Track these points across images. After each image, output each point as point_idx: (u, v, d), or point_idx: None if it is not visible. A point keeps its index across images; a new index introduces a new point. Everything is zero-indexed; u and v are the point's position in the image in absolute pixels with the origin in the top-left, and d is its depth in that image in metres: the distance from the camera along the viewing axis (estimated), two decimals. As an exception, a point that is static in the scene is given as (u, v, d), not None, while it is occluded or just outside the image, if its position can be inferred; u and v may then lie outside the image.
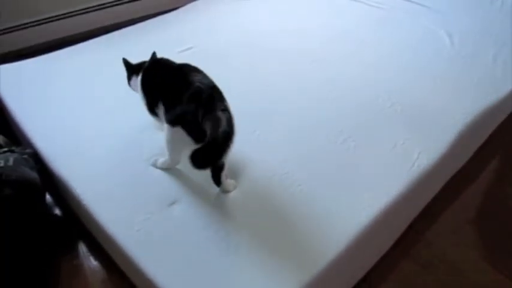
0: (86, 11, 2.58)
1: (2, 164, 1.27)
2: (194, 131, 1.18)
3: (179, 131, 1.20)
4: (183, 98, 1.19)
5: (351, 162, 1.38)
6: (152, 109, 1.32)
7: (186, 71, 1.27)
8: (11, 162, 1.29)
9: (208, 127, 1.11)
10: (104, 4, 2.62)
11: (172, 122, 1.21)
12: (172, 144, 1.28)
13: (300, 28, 2.13)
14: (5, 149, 1.38)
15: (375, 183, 1.31)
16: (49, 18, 2.47)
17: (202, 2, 2.50)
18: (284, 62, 1.87)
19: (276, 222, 1.20)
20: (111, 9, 2.65)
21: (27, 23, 2.42)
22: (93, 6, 2.59)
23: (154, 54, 1.40)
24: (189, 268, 1.10)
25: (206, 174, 1.33)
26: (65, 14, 2.51)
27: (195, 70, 1.28)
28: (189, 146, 1.17)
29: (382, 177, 1.33)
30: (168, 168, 1.35)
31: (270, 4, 2.40)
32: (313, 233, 1.17)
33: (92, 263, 1.42)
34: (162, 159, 1.34)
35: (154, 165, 1.35)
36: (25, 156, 1.37)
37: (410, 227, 1.49)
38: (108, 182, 1.33)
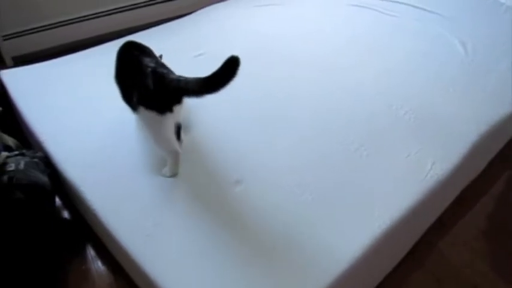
0: (104, 14, 2.60)
1: (13, 168, 1.27)
2: (153, 103, 1.23)
3: (145, 113, 1.24)
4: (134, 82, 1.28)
5: (363, 171, 1.36)
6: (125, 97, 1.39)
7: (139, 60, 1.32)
8: (22, 166, 1.29)
9: (181, 81, 1.20)
10: (120, 7, 2.64)
11: (134, 107, 1.29)
12: (154, 132, 1.31)
13: (312, 35, 2.12)
14: (16, 152, 1.38)
15: (387, 194, 1.29)
16: (67, 20, 2.50)
17: (217, 7, 2.50)
18: (296, 68, 1.86)
19: (286, 231, 1.19)
20: (128, 13, 2.68)
21: (45, 26, 2.45)
22: (109, 10, 2.61)
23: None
24: (198, 274, 1.09)
25: (215, 180, 1.33)
26: (81, 17, 2.54)
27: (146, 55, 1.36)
28: (166, 125, 1.25)
29: (395, 188, 1.31)
30: (176, 171, 1.34)
31: (282, 11, 2.39)
32: (325, 243, 1.16)
33: (99, 266, 1.42)
34: (166, 167, 1.35)
35: (165, 175, 1.35)
36: (36, 159, 1.37)
37: (423, 237, 1.47)
38: (117, 187, 1.33)
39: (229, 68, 1.09)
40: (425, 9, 2.30)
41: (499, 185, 1.78)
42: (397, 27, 2.17)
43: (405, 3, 2.36)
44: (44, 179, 1.32)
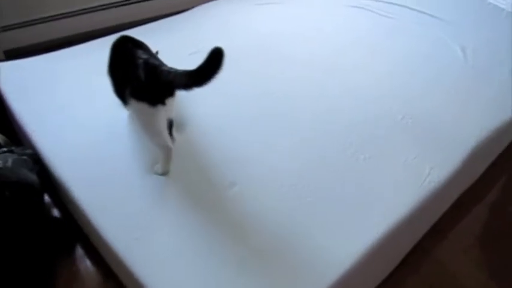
0: (100, 8, 2.57)
1: (0, 165, 1.24)
2: (144, 95, 1.21)
3: (137, 106, 1.23)
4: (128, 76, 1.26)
5: (360, 176, 1.34)
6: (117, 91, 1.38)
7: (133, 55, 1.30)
8: (9, 164, 1.26)
9: (172, 74, 1.17)
10: (118, 1, 2.61)
11: (126, 101, 1.27)
12: (146, 126, 1.28)
13: (310, 37, 2.10)
14: (5, 149, 1.35)
15: (384, 199, 1.27)
16: (61, 14, 2.46)
17: (217, 3, 2.48)
18: (295, 67, 1.83)
19: (282, 235, 1.16)
20: (126, 8, 2.65)
21: (38, 19, 2.41)
22: (106, 4, 2.58)
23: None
24: (189, 276, 1.06)
25: (209, 180, 1.31)
26: (75, 11, 2.50)
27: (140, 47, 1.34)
28: (158, 118, 1.24)
29: (393, 193, 1.29)
30: (167, 169, 1.31)
31: (282, 10, 2.36)
32: (320, 246, 1.14)
33: (88, 266, 1.40)
34: (158, 164, 1.32)
35: (157, 172, 1.32)
36: (24, 157, 1.34)
37: (419, 244, 1.46)
38: (108, 187, 1.30)
39: (214, 60, 1.07)
40: (424, 13, 2.28)
41: (494, 191, 1.78)
42: (395, 29, 2.15)
43: (403, 6, 2.34)
44: (32, 177, 1.28)
